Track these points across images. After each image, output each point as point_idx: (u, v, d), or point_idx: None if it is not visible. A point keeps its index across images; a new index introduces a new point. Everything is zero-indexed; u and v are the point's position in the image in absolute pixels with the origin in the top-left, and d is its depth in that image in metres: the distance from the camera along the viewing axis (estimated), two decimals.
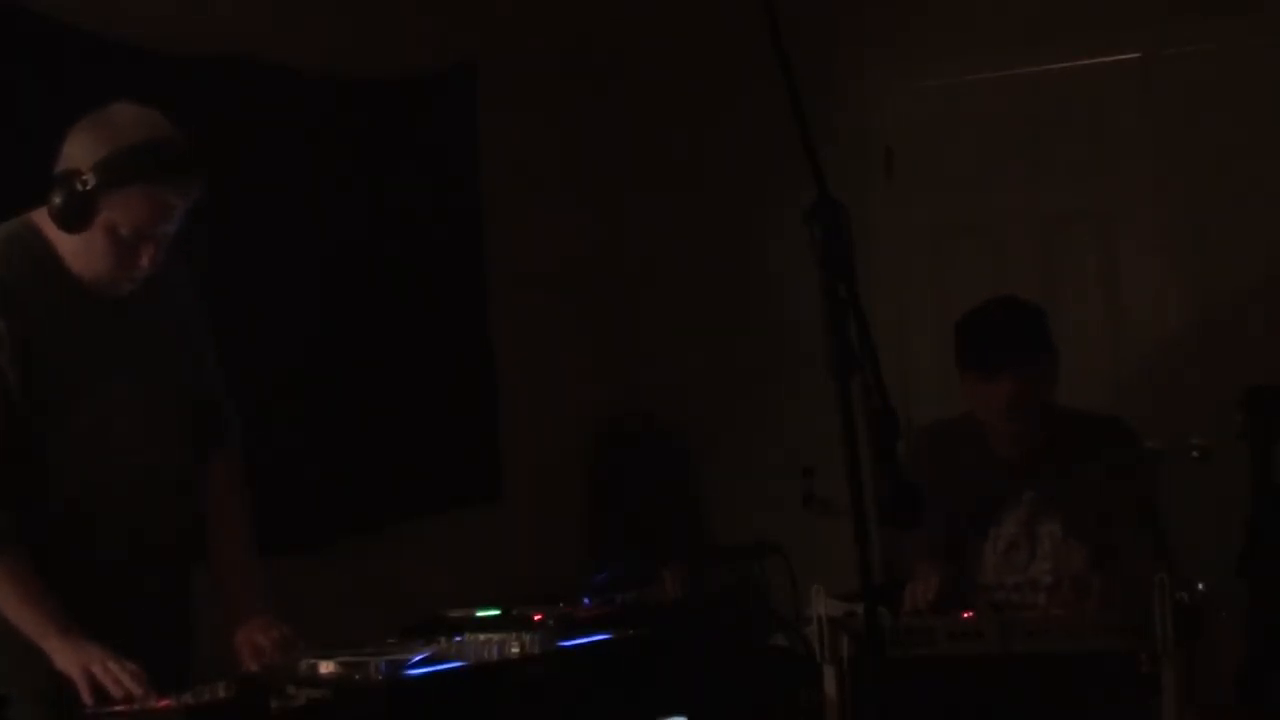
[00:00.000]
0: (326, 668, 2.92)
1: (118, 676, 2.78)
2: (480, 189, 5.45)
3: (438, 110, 5.29)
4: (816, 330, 2.27)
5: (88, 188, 2.87)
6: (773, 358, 5.80)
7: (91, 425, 2.98)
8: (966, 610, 3.60)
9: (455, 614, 3.74)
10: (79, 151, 2.91)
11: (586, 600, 3.96)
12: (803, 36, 2.71)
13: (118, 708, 2.74)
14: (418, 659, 2.95)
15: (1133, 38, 5.40)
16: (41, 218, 2.99)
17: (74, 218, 2.90)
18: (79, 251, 2.95)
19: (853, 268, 2.27)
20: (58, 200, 2.89)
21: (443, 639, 3.18)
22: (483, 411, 5.42)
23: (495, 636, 3.16)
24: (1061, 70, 5.50)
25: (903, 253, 5.69)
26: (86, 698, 2.78)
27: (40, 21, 3.90)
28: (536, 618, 3.61)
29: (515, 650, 3.11)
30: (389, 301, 5.01)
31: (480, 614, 3.70)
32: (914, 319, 5.69)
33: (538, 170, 5.71)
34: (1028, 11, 5.51)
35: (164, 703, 2.72)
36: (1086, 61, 5.46)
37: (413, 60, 5.19)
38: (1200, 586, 3.61)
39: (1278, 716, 4.18)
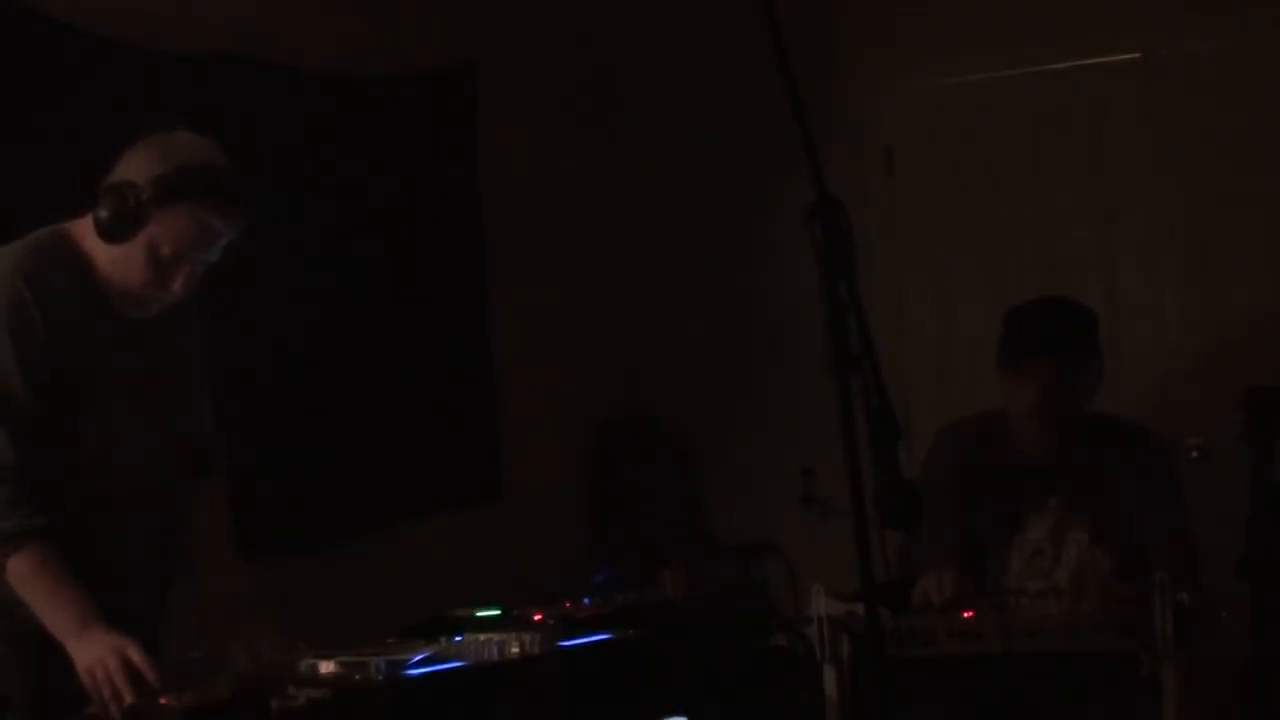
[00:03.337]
0: (326, 668, 2.92)
1: (114, 680, 2.75)
2: (480, 189, 5.45)
3: (438, 110, 5.29)
4: (816, 330, 2.28)
5: (140, 200, 2.88)
6: (773, 358, 5.80)
7: (97, 440, 2.98)
8: (967, 610, 3.59)
9: (455, 614, 3.75)
10: (136, 166, 2.92)
11: (586, 600, 3.97)
12: (803, 37, 2.71)
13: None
14: (418, 659, 2.95)
15: (1133, 38, 5.39)
16: (76, 227, 3.00)
17: (120, 228, 2.91)
18: (116, 263, 2.96)
19: (853, 268, 2.27)
20: (105, 210, 2.91)
21: (443, 639, 3.18)
22: (483, 411, 5.42)
23: (495, 636, 3.16)
24: (1061, 70, 5.49)
25: (903, 253, 5.69)
26: (97, 701, 2.76)
27: (42, 22, 3.90)
28: (536, 618, 3.61)
29: (515, 650, 3.11)
30: (389, 301, 5.01)
31: (480, 614, 3.71)
32: (914, 319, 5.69)
33: (538, 170, 5.71)
34: (1027, 11, 5.50)
35: (163, 701, 2.72)
36: (1086, 61, 5.46)
37: (413, 60, 5.19)
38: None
39: (1278, 716, 4.18)
